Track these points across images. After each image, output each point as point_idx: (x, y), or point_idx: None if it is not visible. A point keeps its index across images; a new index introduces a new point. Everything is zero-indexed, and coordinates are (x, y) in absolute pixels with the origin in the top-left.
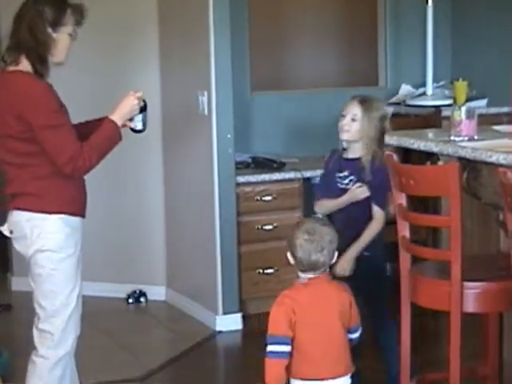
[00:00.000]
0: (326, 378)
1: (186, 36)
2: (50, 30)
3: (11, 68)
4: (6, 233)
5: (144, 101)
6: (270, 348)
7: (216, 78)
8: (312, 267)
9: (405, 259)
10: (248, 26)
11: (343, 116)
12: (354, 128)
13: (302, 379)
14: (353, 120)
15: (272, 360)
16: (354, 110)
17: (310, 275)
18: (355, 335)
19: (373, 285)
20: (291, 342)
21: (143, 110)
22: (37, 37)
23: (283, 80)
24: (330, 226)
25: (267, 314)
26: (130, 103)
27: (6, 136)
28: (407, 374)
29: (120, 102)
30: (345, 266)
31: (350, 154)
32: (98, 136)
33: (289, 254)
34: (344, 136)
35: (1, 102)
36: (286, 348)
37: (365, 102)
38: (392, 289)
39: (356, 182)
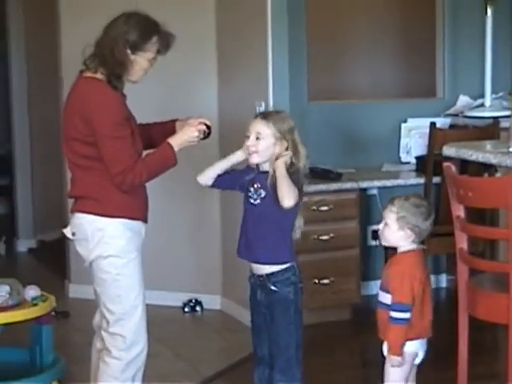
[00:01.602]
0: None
1: (244, 50)
2: (128, 51)
3: (89, 74)
4: (69, 235)
5: (208, 128)
6: (396, 315)
7: (273, 88)
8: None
9: (462, 271)
10: (306, 43)
11: (247, 137)
12: (260, 147)
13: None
14: (257, 139)
15: (398, 326)
16: (257, 127)
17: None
18: None
19: (276, 324)
20: None
21: (206, 137)
22: (115, 55)
23: (340, 90)
24: None
25: (322, 324)
26: (190, 134)
27: (72, 138)
28: None
29: (182, 130)
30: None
31: (265, 167)
32: (153, 156)
33: (404, 231)
34: (253, 160)
35: (72, 104)
36: (410, 314)
37: (267, 117)
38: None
39: (264, 196)
